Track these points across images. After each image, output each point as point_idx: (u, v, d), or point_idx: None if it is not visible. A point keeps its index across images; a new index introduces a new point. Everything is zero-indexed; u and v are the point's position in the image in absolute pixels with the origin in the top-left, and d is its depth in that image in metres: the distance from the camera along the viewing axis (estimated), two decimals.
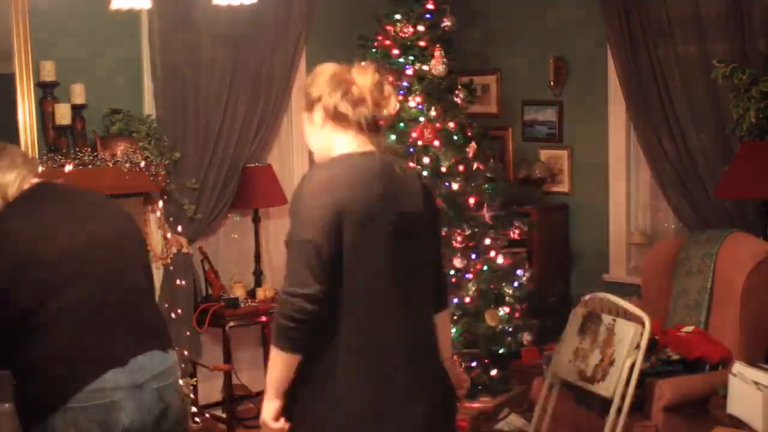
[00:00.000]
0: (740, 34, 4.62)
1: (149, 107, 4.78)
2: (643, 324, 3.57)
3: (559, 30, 5.63)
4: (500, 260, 4.84)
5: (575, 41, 5.57)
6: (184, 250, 4.86)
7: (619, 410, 3.52)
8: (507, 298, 4.87)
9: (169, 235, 4.80)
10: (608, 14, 5.15)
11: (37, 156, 4.24)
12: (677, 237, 4.96)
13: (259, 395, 5.11)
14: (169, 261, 4.80)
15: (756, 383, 3.21)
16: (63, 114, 4.35)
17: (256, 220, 5.16)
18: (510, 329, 4.85)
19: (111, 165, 4.39)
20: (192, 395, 4.74)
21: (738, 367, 3.36)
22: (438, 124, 4.91)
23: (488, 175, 5.04)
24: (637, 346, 3.54)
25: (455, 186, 4.93)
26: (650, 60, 5.03)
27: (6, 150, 2.71)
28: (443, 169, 4.92)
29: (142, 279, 2.74)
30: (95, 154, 4.39)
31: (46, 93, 4.37)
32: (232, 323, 4.86)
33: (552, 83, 5.64)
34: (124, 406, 2.51)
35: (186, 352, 4.76)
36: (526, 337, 4.85)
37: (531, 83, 5.80)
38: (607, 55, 5.31)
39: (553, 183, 5.73)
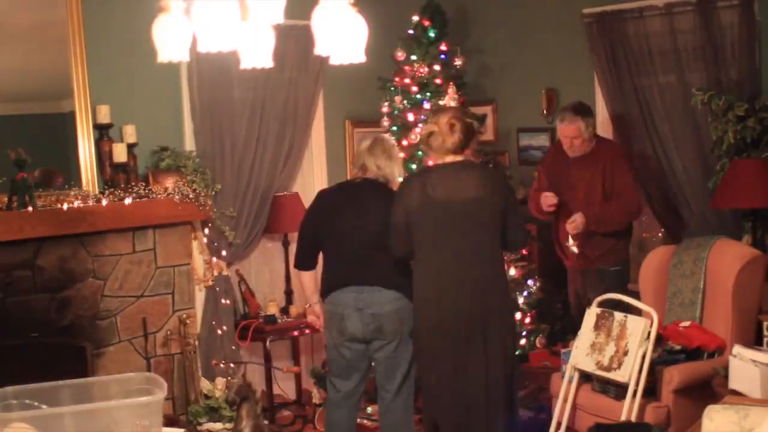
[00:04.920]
0: (715, 65, 5.10)
1: (189, 144, 5.25)
2: (651, 319, 4.13)
3: (550, 63, 6.04)
4: (512, 272, 5.37)
5: (565, 73, 5.97)
6: (224, 272, 5.32)
7: (634, 393, 4.07)
8: (519, 305, 5.41)
9: (209, 258, 5.24)
10: (595, 48, 5.59)
11: (97, 191, 4.71)
12: (665, 245, 5.48)
13: (295, 403, 5.57)
14: (211, 283, 5.25)
15: (753, 361, 3.80)
16: (120, 152, 4.81)
17: (286, 244, 5.62)
18: (523, 333, 5.38)
19: (164, 197, 4.86)
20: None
21: (737, 349, 3.94)
22: None
23: None
24: (647, 337, 4.09)
25: None
26: (635, 89, 5.47)
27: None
28: None
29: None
30: (149, 187, 4.85)
31: (102, 134, 4.83)
32: (271, 337, 5.34)
33: (545, 112, 6.09)
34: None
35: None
36: (540, 341, 5.38)
37: (525, 112, 6.20)
38: (595, 86, 5.72)
39: None
